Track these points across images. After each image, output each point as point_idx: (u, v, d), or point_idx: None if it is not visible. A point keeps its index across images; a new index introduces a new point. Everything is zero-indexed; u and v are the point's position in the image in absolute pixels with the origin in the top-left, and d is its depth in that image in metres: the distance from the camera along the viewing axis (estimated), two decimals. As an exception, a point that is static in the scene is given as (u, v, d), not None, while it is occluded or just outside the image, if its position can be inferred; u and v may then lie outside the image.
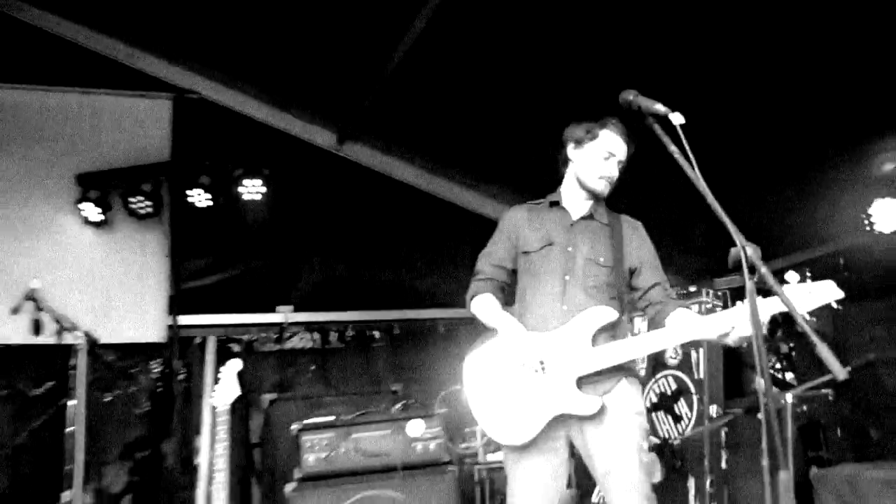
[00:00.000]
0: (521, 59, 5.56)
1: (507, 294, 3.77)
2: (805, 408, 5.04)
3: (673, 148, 2.61)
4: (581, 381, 3.43)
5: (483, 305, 3.68)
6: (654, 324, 3.58)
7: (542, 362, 3.45)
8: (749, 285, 2.42)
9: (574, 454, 3.61)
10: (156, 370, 7.00)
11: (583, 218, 3.71)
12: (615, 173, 3.65)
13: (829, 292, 3.12)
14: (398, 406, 5.24)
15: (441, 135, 6.91)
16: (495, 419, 3.52)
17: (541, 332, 3.50)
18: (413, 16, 5.45)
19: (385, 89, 6.29)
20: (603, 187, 3.65)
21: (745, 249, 2.40)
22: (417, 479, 4.87)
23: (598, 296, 3.56)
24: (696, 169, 2.56)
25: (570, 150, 3.72)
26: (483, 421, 3.57)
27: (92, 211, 6.71)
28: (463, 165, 7.34)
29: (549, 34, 5.25)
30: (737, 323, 3.23)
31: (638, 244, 3.69)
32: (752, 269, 2.41)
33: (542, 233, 3.68)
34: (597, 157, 3.64)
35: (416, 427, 4.92)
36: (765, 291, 2.60)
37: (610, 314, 3.50)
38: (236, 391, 4.75)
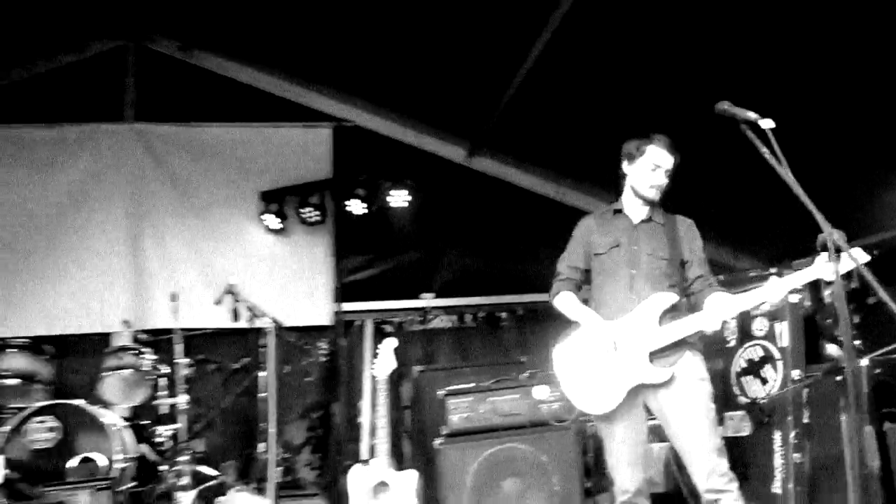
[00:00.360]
0: (621, 77, 5.48)
1: (583, 290, 3.85)
2: (879, 370, 4.82)
3: (764, 150, 2.54)
4: (652, 356, 3.51)
5: (565, 301, 3.78)
6: (695, 307, 3.61)
7: (617, 344, 3.53)
8: (835, 266, 2.34)
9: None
10: (325, 347, 7.08)
11: (643, 221, 3.75)
12: (663, 181, 3.67)
13: (858, 257, 3.07)
14: (525, 374, 5.21)
15: (551, 146, 6.89)
16: (584, 394, 3.64)
17: (615, 319, 3.58)
18: (527, 52, 5.42)
19: (505, 112, 6.29)
20: (654, 194, 3.69)
21: (833, 234, 2.33)
22: (543, 434, 4.84)
23: (659, 285, 3.60)
24: (787, 167, 2.48)
25: (625, 165, 3.77)
26: (574, 397, 3.69)
27: (272, 221, 6.92)
28: (571, 170, 7.28)
29: (646, 56, 5.15)
30: (766, 298, 3.37)
31: (689, 241, 3.72)
32: (838, 251, 2.34)
33: (610, 237, 3.74)
34: (646, 170, 3.67)
35: (541, 391, 4.90)
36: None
37: (671, 298, 3.57)
38: (393, 364, 4.82)
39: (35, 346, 5.76)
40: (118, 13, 6.76)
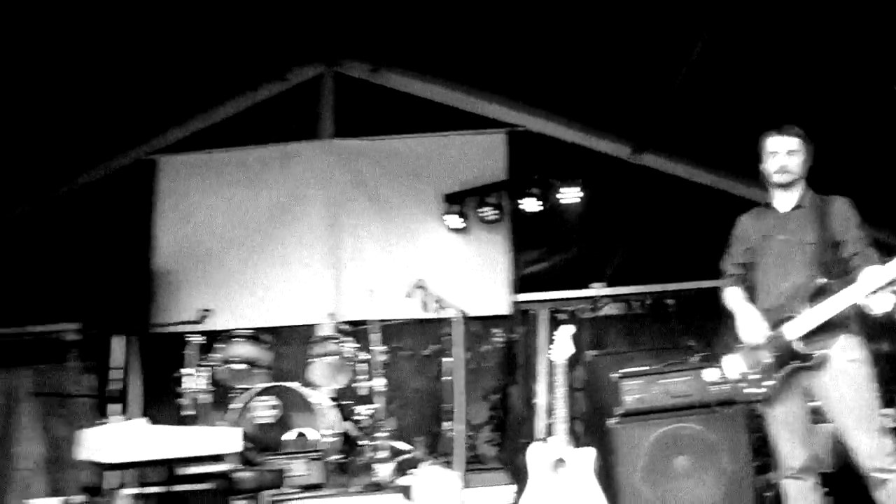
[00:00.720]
0: (782, 70, 5.26)
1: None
2: None
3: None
4: (805, 339, 3.43)
5: (729, 297, 3.83)
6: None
7: (771, 333, 3.51)
8: None
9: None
10: (503, 335, 7.16)
11: (793, 209, 3.67)
12: (784, 163, 3.62)
13: None
14: (696, 357, 5.09)
15: (713, 139, 6.66)
16: (746, 381, 3.66)
17: (771, 308, 3.56)
18: (689, 50, 5.32)
19: (669, 108, 6.18)
20: (782, 178, 3.65)
21: None
22: (713, 414, 4.73)
23: (811, 270, 3.51)
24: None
25: (761, 166, 3.75)
26: (737, 383, 3.73)
27: (455, 220, 7.10)
28: (733, 162, 7.02)
29: (805, 45, 4.93)
30: None
31: (842, 221, 3.58)
32: None
33: (762, 230, 3.73)
34: (767, 159, 3.65)
35: (711, 374, 4.78)
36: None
37: (820, 282, 3.47)
38: (571, 349, 4.85)
39: (256, 336, 6.16)
40: (316, 44, 7.22)
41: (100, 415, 6.04)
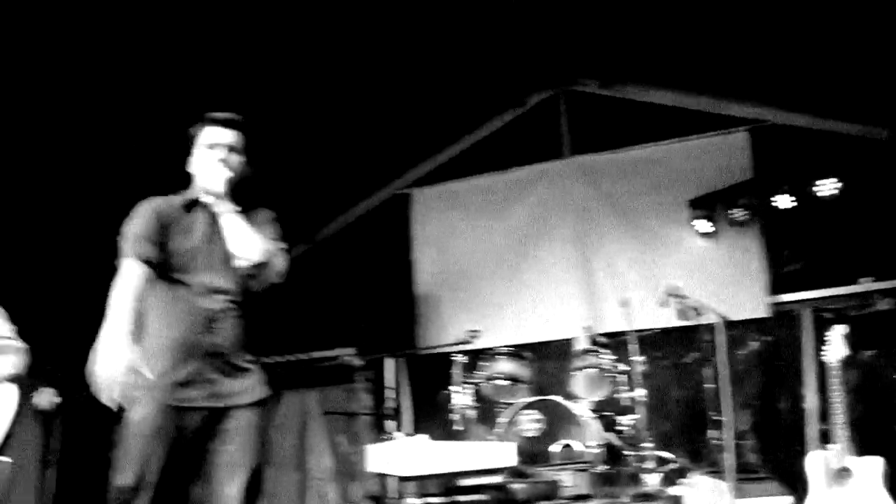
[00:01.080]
0: None
1: None
2: None
3: None
4: None
5: None
6: None
7: None
8: None
9: None
10: (762, 338, 6.84)
11: None
12: None
13: None
14: None
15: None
16: None
17: None
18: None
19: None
20: None
21: None
22: None
23: None
24: None
25: None
26: None
27: (703, 225, 6.88)
28: None
29: None
30: None
31: None
32: None
33: None
34: None
35: None
36: None
37: None
38: (844, 350, 4.56)
39: (516, 352, 6.31)
40: (550, 69, 7.39)
41: (378, 431, 6.47)
